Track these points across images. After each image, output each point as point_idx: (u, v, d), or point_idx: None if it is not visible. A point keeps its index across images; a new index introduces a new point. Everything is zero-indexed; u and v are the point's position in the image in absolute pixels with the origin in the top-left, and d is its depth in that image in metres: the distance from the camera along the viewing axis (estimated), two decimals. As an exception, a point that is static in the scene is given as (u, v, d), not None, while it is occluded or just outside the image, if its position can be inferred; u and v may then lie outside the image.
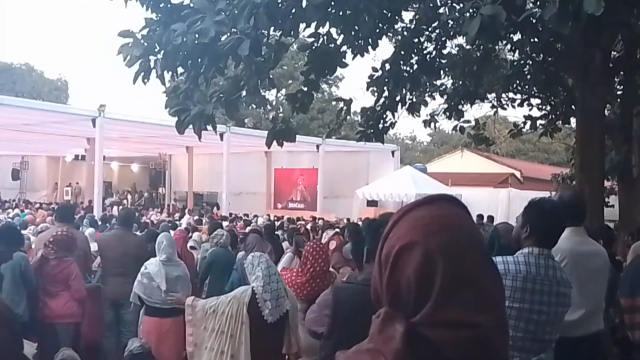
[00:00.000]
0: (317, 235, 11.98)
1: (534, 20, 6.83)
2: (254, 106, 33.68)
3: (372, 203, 22.59)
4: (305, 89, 7.33)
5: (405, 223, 1.14)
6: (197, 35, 5.37)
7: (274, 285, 4.70)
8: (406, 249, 1.09)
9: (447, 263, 1.05)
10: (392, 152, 26.37)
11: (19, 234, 6.24)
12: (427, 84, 9.85)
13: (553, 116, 10.62)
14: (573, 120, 10.46)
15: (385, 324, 1.06)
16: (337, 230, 11.47)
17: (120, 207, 21.48)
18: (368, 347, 1.07)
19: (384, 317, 1.08)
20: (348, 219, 18.80)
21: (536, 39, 8.55)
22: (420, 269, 1.06)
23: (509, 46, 9.85)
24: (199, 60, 5.88)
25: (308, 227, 14.67)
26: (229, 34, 5.53)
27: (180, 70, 6.09)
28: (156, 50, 5.75)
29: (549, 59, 9.19)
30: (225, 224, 13.02)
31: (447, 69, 9.61)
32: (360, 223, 14.02)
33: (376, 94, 8.81)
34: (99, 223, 13.22)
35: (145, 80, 5.90)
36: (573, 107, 9.32)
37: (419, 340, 1.02)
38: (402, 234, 1.11)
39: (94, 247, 7.74)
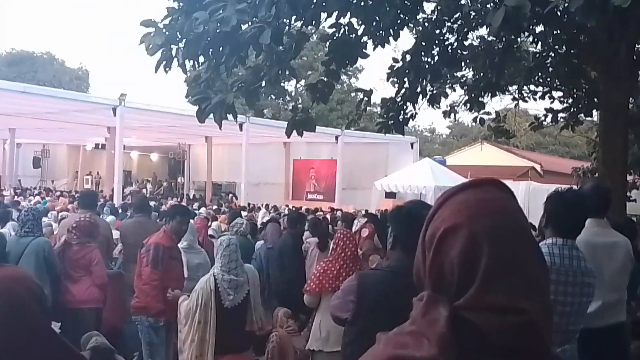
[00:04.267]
0: (335, 227, 11.99)
1: (558, 12, 6.77)
2: (273, 97, 33.79)
3: (390, 195, 22.54)
4: (326, 79, 7.32)
5: (450, 206, 1.12)
6: (218, 24, 5.38)
7: (232, 273, 5.00)
8: (451, 232, 1.07)
9: (493, 247, 1.04)
10: (411, 144, 26.30)
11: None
12: (448, 75, 9.79)
13: (575, 109, 10.51)
14: (595, 114, 10.35)
15: (429, 307, 1.05)
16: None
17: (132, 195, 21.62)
18: (410, 330, 1.06)
19: (427, 300, 1.06)
20: (366, 211, 18.80)
21: (559, 31, 8.46)
22: (464, 252, 1.05)
23: (531, 38, 9.74)
24: (220, 49, 5.88)
25: (327, 217, 14.70)
26: (250, 22, 5.53)
27: (201, 59, 6.11)
28: (178, 39, 5.76)
29: (572, 51, 9.09)
30: (244, 213, 13.09)
31: (468, 61, 9.52)
32: (378, 214, 14.00)
33: (396, 85, 8.76)
34: (119, 211, 13.34)
35: (167, 69, 5.93)
36: (596, 100, 9.22)
37: (463, 324, 1.01)
38: (447, 216, 1.10)
39: (115, 234, 7.82)
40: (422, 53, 8.43)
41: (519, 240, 1.08)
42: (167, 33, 5.71)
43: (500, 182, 1.16)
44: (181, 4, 5.94)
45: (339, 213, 16.59)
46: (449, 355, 0.99)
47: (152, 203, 13.49)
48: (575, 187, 4.88)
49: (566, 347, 3.12)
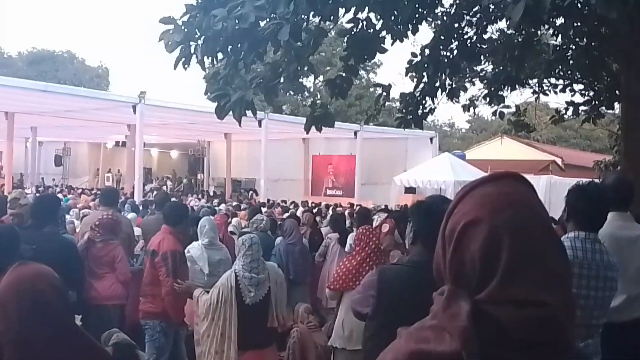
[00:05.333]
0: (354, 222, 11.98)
1: (579, 5, 6.70)
2: (292, 93, 33.79)
3: (410, 190, 22.47)
4: (344, 74, 7.30)
5: (470, 199, 1.12)
6: (237, 21, 5.38)
7: (254, 271, 5.02)
8: (471, 226, 1.08)
9: (513, 240, 1.04)
10: (431, 139, 26.18)
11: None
12: (467, 69, 9.73)
13: (596, 102, 10.37)
14: (617, 106, 10.23)
15: (450, 301, 1.05)
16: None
17: (155, 193, 21.80)
18: (431, 324, 1.06)
19: (448, 294, 1.07)
20: (386, 206, 18.78)
21: (580, 23, 8.37)
22: (485, 246, 1.05)
23: (551, 31, 9.64)
24: (239, 45, 5.89)
25: (346, 213, 14.71)
26: (268, 19, 5.54)
27: (220, 55, 6.12)
28: (196, 36, 5.78)
29: (593, 43, 8.99)
30: (263, 209, 13.14)
31: (487, 54, 9.46)
32: (398, 209, 13.98)
33: (415, 79, 8.73)
34: (140, 208, 13.44)
35: (186, 66, 5.95)
36: (617, 92, 9.11)
37: (484, 318, 1.01)
38: (467, 210, 1.10)
39: (136, 231, 7.88)
40: (441, 47, 8.38)
41: (540, 233, 1.07)
42: (185, 30, 5.73)
43: (520, 176, 1.16)
44: (199, 0, 5.96)
45: (358, 208, 16.59)
46: (471, 349, 0.99)
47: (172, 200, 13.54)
48: (597, 180, 4.84)
49: (589, 342, 3.10)
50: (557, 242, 1.10)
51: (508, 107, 10.18)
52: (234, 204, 17.65)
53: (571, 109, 10.66)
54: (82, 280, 5.96)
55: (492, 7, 7.94)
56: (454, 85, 8.92)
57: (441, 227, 1.15)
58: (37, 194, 19.21)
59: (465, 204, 1.12)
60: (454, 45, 8.43)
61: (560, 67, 10.05)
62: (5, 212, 6.27)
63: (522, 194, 1.12)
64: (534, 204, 1.12)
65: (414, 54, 8.49)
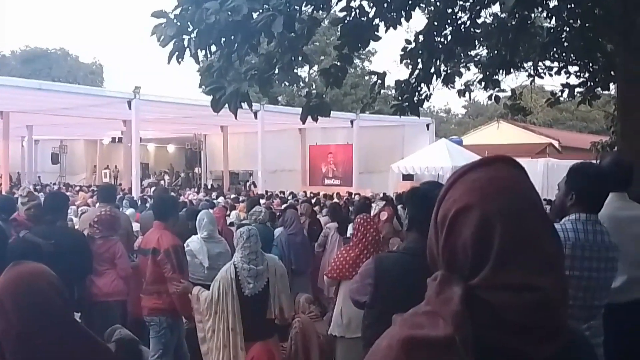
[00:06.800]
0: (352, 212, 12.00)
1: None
2: (287, 84, 33.74)
3: (407, 177, 22.48)
4: (339, 63, 7.28)
5: (461, 185, 1.12)
6: (229, 13, 5.35)
7: (253, 263, 5.03)
8: (462, 213, 1.07)
9: (505, 226, 1.04)
10: (427, 126, 26.19)
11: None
12: (462, 54, 9.70)
13: (592, 83, 10.36)
14: (612, 87, 10.22)
15: (443, 287, 1.05)
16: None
17: (153, 189, 21.82)
18: (425, 310, 1.06)
19: (441, 279, 1.07)
20: (384, 194, 18.79)
21: (573, 5, 8.34)
22: (477, 232, 1.05)
23: (545, 13, 9.62)
24: (232, 37, 5.86)
25: (346, 201, 14.71)
26: (261, 10, 5.51)
27: (213, 48, 6.09)
28: (189, 29, 5.75)
29: (587, 25, 8.96)
30: (262, 201, 13.14)
31: (481, 39, 9.43)
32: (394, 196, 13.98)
33: (410, 66, 8.70)
34: (138, 203, 13.44)
35: (180, 60, 5.92)
36: (613, 73, 9.09)
37: (478, 302, 1.02)
38: (458, 196, 1.10)
39: (135, 226, 7.88)
40: (435, 33, 8.35)
41: (532, 218, 1.07)
42: (178, 24, 5.69)
43: (511, 159, 1.15)
44: (191, -7, 5.92)
45: (356, 198, 16.59)
46: (464, 332, 0.99)
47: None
48: (594, 161, 4.83)
49: (592, 323, 3.11)
50: (549, 225, 1.10)
51: (504, 91, 10.18)
52: (233, 196, 17.65)
53: (567, 91, 10.65)
54: (91, 270, 6.08)
55: (485, -9, 7.92)
56: (449, 71, 8.90)
57: (433, 213, 1.15)
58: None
59: (456, 189, 1.12)
60: (447, 31, 8.40)
61: (554, 49, 10.03)
62: (11, 210, 6.34)
63: (513, 178, 1.12)
64: (525, 188, 1.11)
65: (408, 41, 8.46)
